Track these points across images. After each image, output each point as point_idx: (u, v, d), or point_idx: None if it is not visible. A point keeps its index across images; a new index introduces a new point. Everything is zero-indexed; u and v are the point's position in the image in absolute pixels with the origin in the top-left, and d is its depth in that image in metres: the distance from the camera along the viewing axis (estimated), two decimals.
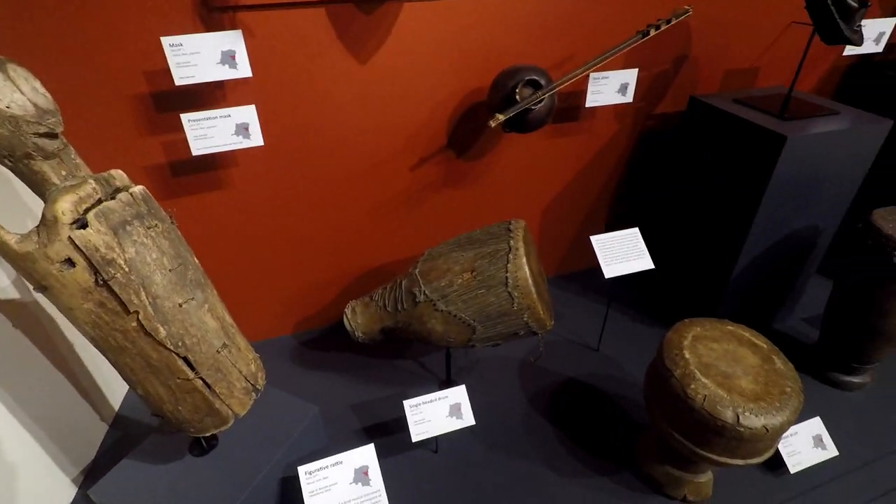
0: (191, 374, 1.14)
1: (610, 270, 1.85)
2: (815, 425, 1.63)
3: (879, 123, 1.82)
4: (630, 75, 1.93)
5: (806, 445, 1.60)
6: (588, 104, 1.94)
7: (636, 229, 1.93)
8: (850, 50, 2.06)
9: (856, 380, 1.94)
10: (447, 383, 1.95)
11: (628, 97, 1.97)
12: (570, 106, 2.05)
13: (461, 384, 1.62)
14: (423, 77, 1.82)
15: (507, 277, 1.52)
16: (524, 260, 1.53)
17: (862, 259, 1.73)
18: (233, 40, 1.46)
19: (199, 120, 1.53)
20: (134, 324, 1.07)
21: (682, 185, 2.21)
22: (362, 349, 2.10)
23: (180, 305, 1.13)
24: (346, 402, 1.91)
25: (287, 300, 2.17)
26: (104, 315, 1.06)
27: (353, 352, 2.12)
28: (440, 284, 1.60)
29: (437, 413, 1.57)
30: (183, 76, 1.45)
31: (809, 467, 1.58)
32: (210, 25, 1.54)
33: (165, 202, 1.77)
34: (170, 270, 1.12)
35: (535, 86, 1.66)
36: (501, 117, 1.61)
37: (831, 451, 1.60)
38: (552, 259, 2.54)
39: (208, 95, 1.62)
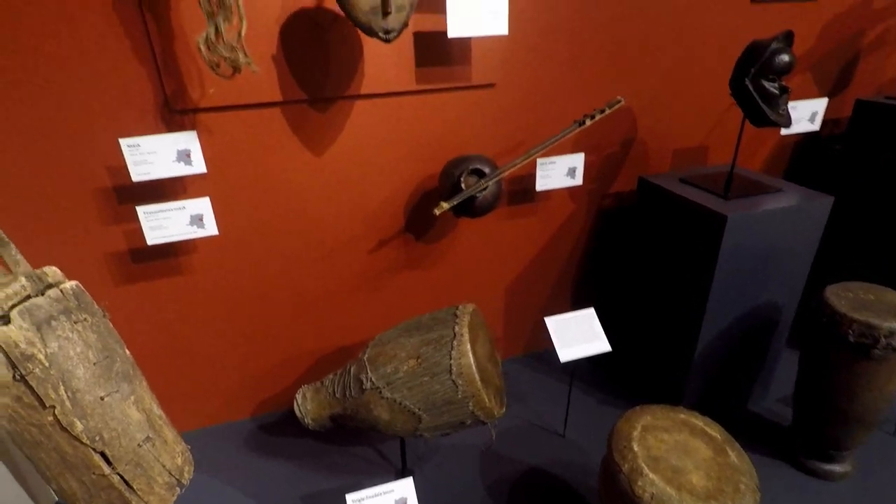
0: (107, 470, 1.12)
1: (565, 354, 1.84)
2: None
3: (821, 200, 1.86)
4: (577, 159, 2.02)
5: None
6: (539, 188, 2.01)
7: (591, 310, 1.94)
8: (790, 128, 2.16)
9: (836, 468, 1.84)
10: (403, 472, 1.88)
11: (577, 180, 2.05)
12: (523, 189, 2.13)
13: (415, 474, 1.56)
14: (379, 166, 1.92)
15: (451, 365, 1.52)
16: (468, 346, 1.53)
17: (820, 339, 1.71)
18: (188, 140, 1.56)
19: (154, 212, 1.60)
20: (50, 418, 1.07)
21: (639, 264, 2.24)
22: (321, 435, 2.05)
23: (102, 399, 1.13)
24: (297, 492, 1.84)
25: (246, 382, 2.15)
26: (20, 409, 1.06)
27: (311, 437, 2.07)
28: (386, 371, 1.59)
29: None
30: (140, 173, 1.55)
31: None
32: (171, 125, 1.66)
33: (125, 288, 1.82)
34: (94, 364, 1.14)
35: (479, 174, 1.74)
36: (445, 205, 1.68)
37: None
38: (518, 339, 2.52)
39: (169, 187, 1.71)
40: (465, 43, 1.79)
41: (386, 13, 1.34)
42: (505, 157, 2.03)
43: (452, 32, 1.62)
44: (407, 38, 1.73)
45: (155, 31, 1.53)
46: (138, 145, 1.52)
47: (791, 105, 2.03)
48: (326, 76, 1.72)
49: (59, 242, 1.69)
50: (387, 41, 1.40)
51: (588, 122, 1.74)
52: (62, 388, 1.07)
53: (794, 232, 1.86)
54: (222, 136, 1.71)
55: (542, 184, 2.01)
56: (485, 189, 1.72)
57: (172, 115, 1.65)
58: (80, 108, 1.56)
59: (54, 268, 1.17)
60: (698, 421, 1.47)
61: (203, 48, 1.31)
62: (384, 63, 1.75)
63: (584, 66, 2.01)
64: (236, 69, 1.35)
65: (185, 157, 1.57)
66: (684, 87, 2.19)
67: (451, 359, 1.52)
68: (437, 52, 1.78)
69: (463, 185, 1.72)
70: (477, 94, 1.92)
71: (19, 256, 1.18)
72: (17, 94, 1.49)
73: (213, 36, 1.29)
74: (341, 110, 1.80)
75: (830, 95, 2.45)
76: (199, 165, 1.60)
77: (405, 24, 1.42)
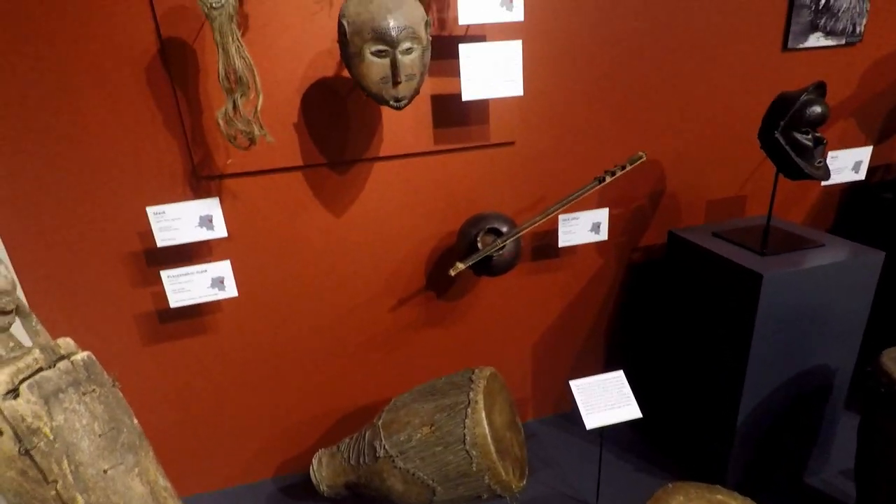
0: None
1: (592, 420, 1.72)
2: None
3: (871, 255, 1.72)
4: (601, 215, 1.96)
5: None
6: (561, 244, 1.96)
7: (620, 373, 1.83)
8: (833, 178, 2.04)
9: None
10: None
11: (602, 235, 1.99)
12: (546, 244, 2.08)
13: None
14: (398, 225, 1.92)
15: (465, 434, 1.45)
16: (483, 415, 1.46)
17: (877, 409, 1.54)
18: (210, 206, 1.61)
19: (177, 276, 1.65)
20: (53, 493, 1.07)
21: (673, 322, 2.11)
22: (339, 502, 1.98)
23: (105, 472, 1.13)
24: None
25: (266, 443, 2.13)
26: (26, 483, 1.06)
27: (331, 501, 2.00)
28: (400, 438, 1.53)
29: None
30: (164, 239, 1.60)
31: None
32: (198, 190, 1.73)
33: (151, 347, 1.86)
34: (99, 435, 1.14)
35: (496, 233, 1.71)
36: (461, 266, 1.65)
37: None
38: (547, 399, 2.40)
39: (193, 250, 1.76)
40: (482, 103, 1.81)
41: (396, 83, 1.37)
42: (525, 214, 2.00)
43: (467, 96, 1.64)
44: (424, 100, 1.76)
45: (185, 104, 1.62)
46: (164, 212, 1.58)
47: (832, 155, 1.93)
48: (346, 140, 1.76)
49: (89, 303, 1.76)
50: (397, 108, 1.42)
51: (608, 179, 1.69)
52: (65, 462, 1.07)
53: (841, 290, 1.72)
54: (245, 200, 1.76)
55: (564, 240, 1.95)
56: (502, 248, 1.68)
57: (199, 182, 1.72)
58: (114, 174, 1.65)
59: (68, 339, 1.20)
60: (734, 503, 1.33)
61: (221, 122, 1.36)
62: (402, 125, 1.78)
63: (605, 119, 1.98)
64: (252, 141, 1.40)
65: (207, 222, 1.62)
66: (715, 137, 2.12)
67: (464, 427, 1.46)
68: (454, 112, 1.80)
69: (479, 245, 1.69)
70: (496, 152, 1.92)
71: (39, 327, 1.22)
72: (54, 160, 1.60)
73: (230, 111, 1.34)
74: (360, 172, 1.83)
75: (877, 142, 2.31)
76: (220, 230, 1.64)
77: (416, 92, 1.44)
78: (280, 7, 1.58)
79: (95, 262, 1.73)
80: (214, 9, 1.25)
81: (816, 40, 2.08)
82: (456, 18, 1.64)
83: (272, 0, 1.56)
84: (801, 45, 2.07)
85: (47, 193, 1.62)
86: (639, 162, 1.71)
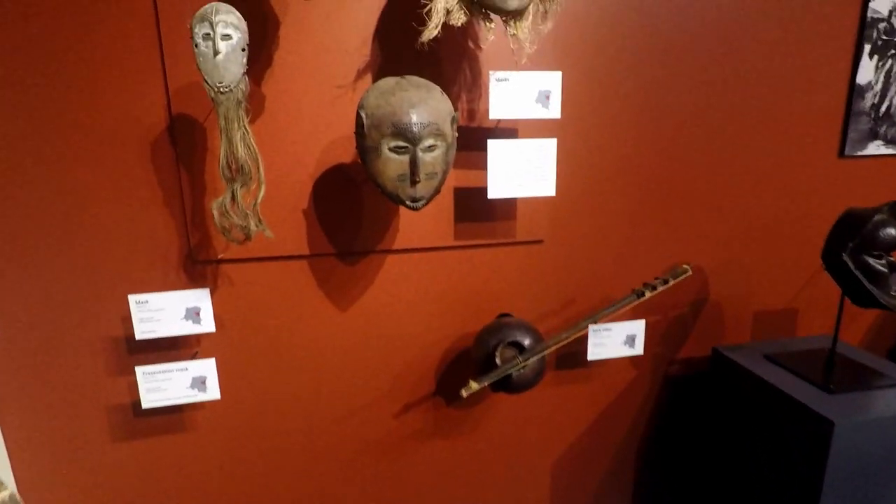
0: None
1: None
2: None
3: None
4: (637, 327, 1.74)
5: None
6: (591, 357, 1.73)
7: None
8: None
9: None
10: None
11: (637, 349, 1.76)
12: (573, 353, 1.85)
13: None
14: (410, 322, 1.74)
15: None
16: None
17: None
18: (198, 298, 1.45)
19: (154, 373, 1.46)
20: None
21: (718, 455, 1.83)
22: None
23: None
24: None
25: None
26: None
27: None
28: None
29: None
30: (144, 331, 1.43)
31: None
32: (193, 274, 1.57)
33: (123, 444, 1.65)
34: None
35: (519, 347, 1.50)
36: (475, 386, 1.43)
37: None
38: None
39: (177, 344, 1.58)
40: (509, 199, 1.65)
41: (414, 182, 1.22)
42: (552, 319, 1.80)
43: (493, 194, 1.48)
44: (447, 193, 1.61)
45: (188, 183, 1.50)
46: (147, 302, 1.42)
47: None
48: (358, 230, 1.61)
49: (59, 390, 1.58)
50: (414, 209, 1.27)
51: (648, 295, 1.49)
52: None
53: None
54: (242, 287, 1.60)
55: (594, 353, 1.73)
56: (524, 367, 1.46)
57: (195, 266, 1.57)
58: (105, 249, 1.50)
59: None
60: None
61: (216, 212, 1.22)
62: (420, 217, 1.62)
63: (644, 221, 1.80)
64: (248, 237, 1.25)
65: (193, 315, 1.45)
66: (764, 244, 1.92)
67: None
68: (478, 207, 1.64)
69: (498, 360, 1.48)
70: (522, 250, 1.74)
71: None
72: (41, 228, 1.47)
73: (228, 202, 1.20)
74: (371, 264, 1.67)
75: None
76: (207, 324, 1.47)
77: (436, 192, 1.29)
78: (299, 89, 1.48)
79: (72, 345, 1.56)
80: (222, 93, 1.13)
81: (876, 148, 1.91)
82: (486, 110, 1.52)
83: (291, 82, 1.47)
84: (860, 153, 1.90)
85: (25, 264, 1.48)
86: (683, 277, 1.51)
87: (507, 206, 1.67)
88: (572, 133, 1.65)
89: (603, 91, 1.66)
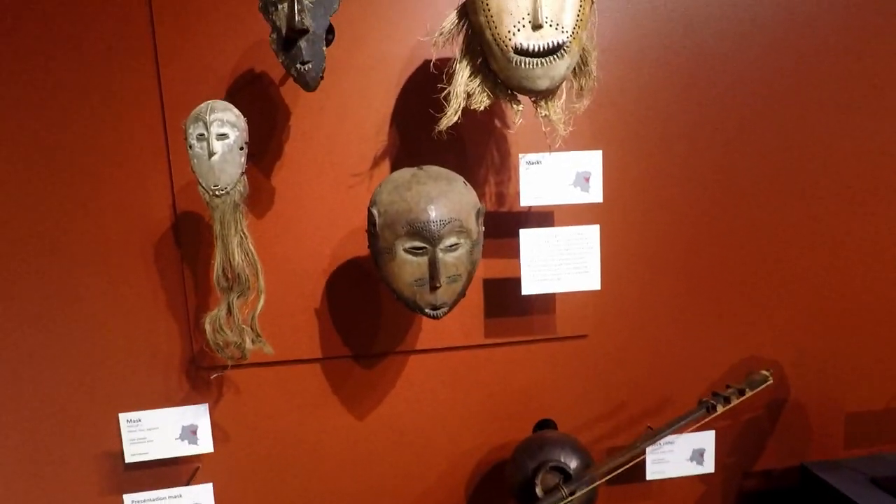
0: None
1: None
2: None
3: None
4: (705, 439, 1.46)
5: None
6: (649, 477, 1.45)
7: None
8: None
9: None
10: None
11: (707, 467, 1.47)
12: (628, 471, 1.57)
13: None
14: (435, 432, 1.53)
15: None
16: None
17: None
18: (196, 415, 1.29)
19: (144, 501, 1.28)
20: None
21: None
22: None
23: None
24: None
25: None
26: None
27: None
28: None
29: None
30: (134, 453, 1.29)
31: None
32: (196, 384, 1.42)
33: None
34: None
35: (564, 474, 1.25)
36: None
37: None
38: None
39: (173, 467, 1.41)
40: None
41: (434, 287, 1.04)
42: (601, 425, 1.55)
43: (527, 290, 1.29)
44: (476, 285, 1.43)
45: (192, 285, 1.38)
46: (139, 420, 1.27)
47: None
48: (377, 329, 1.44)
49: None
50: (435, 318, 1.09)
51: (720, 409, 1.23)
52: None
53: None
54: (248, 396, 1.44)
55: (654, 471, 1.45)
56: (570, 501, 1.21)
57: (198, 372, 1.42)
58: (101, 358, 1.39)
59: None
60: None
61: (208, 328, 1.07)
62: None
63: (702, 310, 1.56)
64: (243, 355, 1.09)
65: (190, 434, 1.29)
66: (854, 334, 1.63)
67: None
68: (511, 301, 1.45)
69: (539, 489, 1.23)
70: (563, 346, 1.53)
71: None
72: (35, 335, 1.37)
73: (223, 316, 1.05)
74: (391, 366, 1.48)
75: None
76: (205, 444, 1.30)
77: (461, 296, 1.11)
78: (312, 180, 1.37)
79: (66, 464, 1.42)
80: (217, 196, 1.01)
81: None
82: (517, 192, 1.35)
83: (303, 173, 1.36)
84: None
85: (15, 376, 1.37)
86: (763, 386, 1.25)
87: (545, 298, 1.47)
88: (617, 217, 1.46)
89: (649, 169, 1.48)
